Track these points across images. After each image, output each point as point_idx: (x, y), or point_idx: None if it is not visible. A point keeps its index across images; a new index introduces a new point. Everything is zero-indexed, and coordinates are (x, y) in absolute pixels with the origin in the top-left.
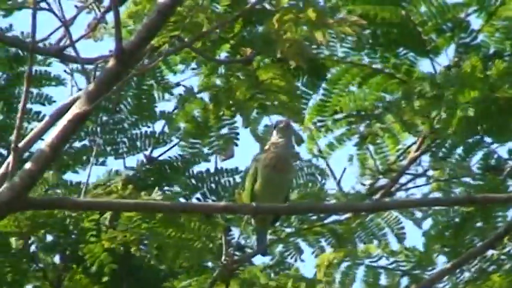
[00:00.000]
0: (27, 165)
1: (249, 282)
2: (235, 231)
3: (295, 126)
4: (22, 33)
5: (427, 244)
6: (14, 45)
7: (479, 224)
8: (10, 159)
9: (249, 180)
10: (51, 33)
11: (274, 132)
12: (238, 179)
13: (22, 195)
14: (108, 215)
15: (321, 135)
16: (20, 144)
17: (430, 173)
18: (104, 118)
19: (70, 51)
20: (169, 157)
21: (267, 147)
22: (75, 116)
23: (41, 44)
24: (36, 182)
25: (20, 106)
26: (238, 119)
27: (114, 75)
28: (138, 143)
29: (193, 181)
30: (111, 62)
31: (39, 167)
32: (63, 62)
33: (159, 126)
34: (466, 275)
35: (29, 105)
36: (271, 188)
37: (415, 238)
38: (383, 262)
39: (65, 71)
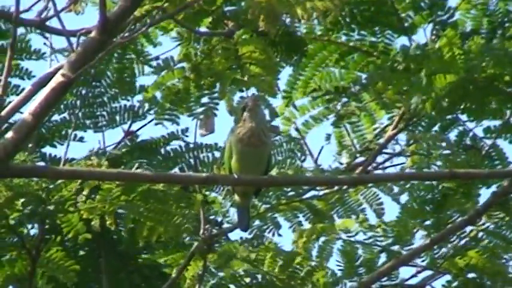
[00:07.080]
0: (10, 134)
1: (228, 255)
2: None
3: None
4: (3, 6)
5: (402, 217)
6: None
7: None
8: None
9: (226, 154)
10: (33, 5)
11: (245, 113)
12: (217, 154)
13: (4, 163)
14: (86, 189)
15: (297, 114)
16: (3, 113)
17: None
18: (84, 91)
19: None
20: (147, 139)
21: (240, 122)
22: (59, 84)
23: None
24: (19, 150)
25: (4, 75)
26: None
27: (98, 44)
28: (117, 117)
29: (171, 155)
30: (95, 31)
31: (21, 135)
32: (43, 35)
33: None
34: (444, 250)
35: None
36: (246, 162)
37: (393, 214)
38: (361, 237)
39: (44, 44)
